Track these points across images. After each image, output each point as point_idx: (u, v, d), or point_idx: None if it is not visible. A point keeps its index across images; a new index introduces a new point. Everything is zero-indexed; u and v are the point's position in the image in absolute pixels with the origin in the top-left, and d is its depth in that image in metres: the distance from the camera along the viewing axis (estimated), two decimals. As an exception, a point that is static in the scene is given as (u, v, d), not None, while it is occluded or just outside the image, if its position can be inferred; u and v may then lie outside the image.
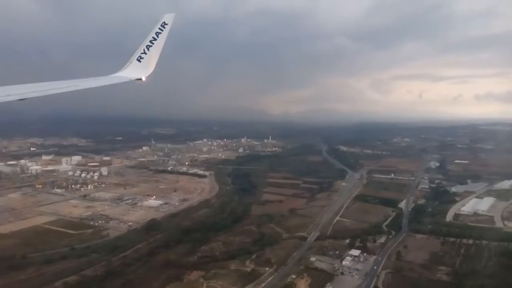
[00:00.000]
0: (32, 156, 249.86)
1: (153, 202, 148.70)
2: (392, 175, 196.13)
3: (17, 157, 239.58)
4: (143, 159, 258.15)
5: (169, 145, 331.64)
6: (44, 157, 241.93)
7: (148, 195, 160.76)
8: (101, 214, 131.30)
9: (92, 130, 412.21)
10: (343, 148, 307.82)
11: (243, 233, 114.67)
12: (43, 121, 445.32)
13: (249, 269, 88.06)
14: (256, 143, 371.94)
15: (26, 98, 15.26)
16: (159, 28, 22.17)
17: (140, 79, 21.73)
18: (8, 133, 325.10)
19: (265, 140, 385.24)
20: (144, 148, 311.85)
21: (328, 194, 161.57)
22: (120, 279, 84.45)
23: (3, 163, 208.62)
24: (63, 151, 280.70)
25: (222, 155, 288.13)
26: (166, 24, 22.28)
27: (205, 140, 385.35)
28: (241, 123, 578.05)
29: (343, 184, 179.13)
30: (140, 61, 22.10)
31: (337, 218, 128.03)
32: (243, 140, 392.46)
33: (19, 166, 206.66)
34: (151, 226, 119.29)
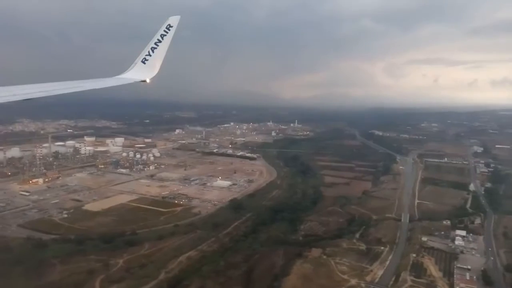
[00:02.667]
0: (73, 137, 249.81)
1: (222, 182, 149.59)
2: (446, 159, 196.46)
3: (59, 138, 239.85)
4: (183, 142, 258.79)
5: (199, 128, 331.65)
6: (87, 139, 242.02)
7: (211, 176, 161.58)
8: (180, 193, 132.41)
9: (113, 112, 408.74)
10: (378, 132, 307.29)
11: (332, 214, 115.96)
12: (60, 103, 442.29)
13: (363, 248, 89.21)
14: (283, 127, 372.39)
15: (32, 98, 15.14)
16: (164, 31, 21.83)
17: (145, 81, 21.78)
18: (37, 115, 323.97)
19: (292, 124, 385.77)
20: (177, 131, 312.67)
21: (392, 177, 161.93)
22: (239, 255, 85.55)
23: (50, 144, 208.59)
24: (100, 133, 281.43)
25: (258, 139, 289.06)
26: (171, 27, 21.85)
27: (232, 124, 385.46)
28: (257, 107, 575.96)
29: (401, 167, 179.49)
30: (144, 63, 22.07)
31: (417, 200, 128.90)
32: (269, 124, 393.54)
33: (71, 147, 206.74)
34: (236, 205, 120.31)
